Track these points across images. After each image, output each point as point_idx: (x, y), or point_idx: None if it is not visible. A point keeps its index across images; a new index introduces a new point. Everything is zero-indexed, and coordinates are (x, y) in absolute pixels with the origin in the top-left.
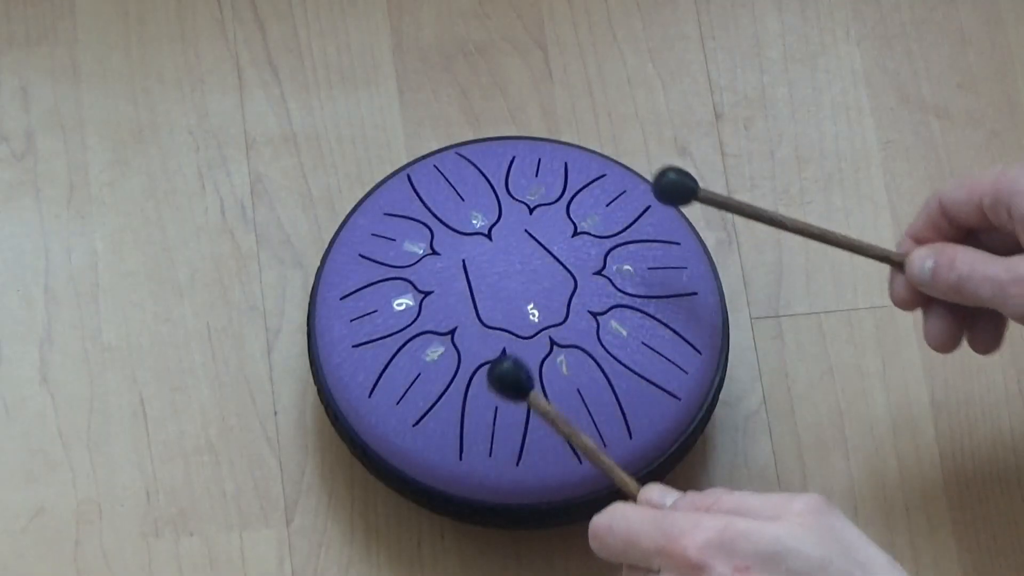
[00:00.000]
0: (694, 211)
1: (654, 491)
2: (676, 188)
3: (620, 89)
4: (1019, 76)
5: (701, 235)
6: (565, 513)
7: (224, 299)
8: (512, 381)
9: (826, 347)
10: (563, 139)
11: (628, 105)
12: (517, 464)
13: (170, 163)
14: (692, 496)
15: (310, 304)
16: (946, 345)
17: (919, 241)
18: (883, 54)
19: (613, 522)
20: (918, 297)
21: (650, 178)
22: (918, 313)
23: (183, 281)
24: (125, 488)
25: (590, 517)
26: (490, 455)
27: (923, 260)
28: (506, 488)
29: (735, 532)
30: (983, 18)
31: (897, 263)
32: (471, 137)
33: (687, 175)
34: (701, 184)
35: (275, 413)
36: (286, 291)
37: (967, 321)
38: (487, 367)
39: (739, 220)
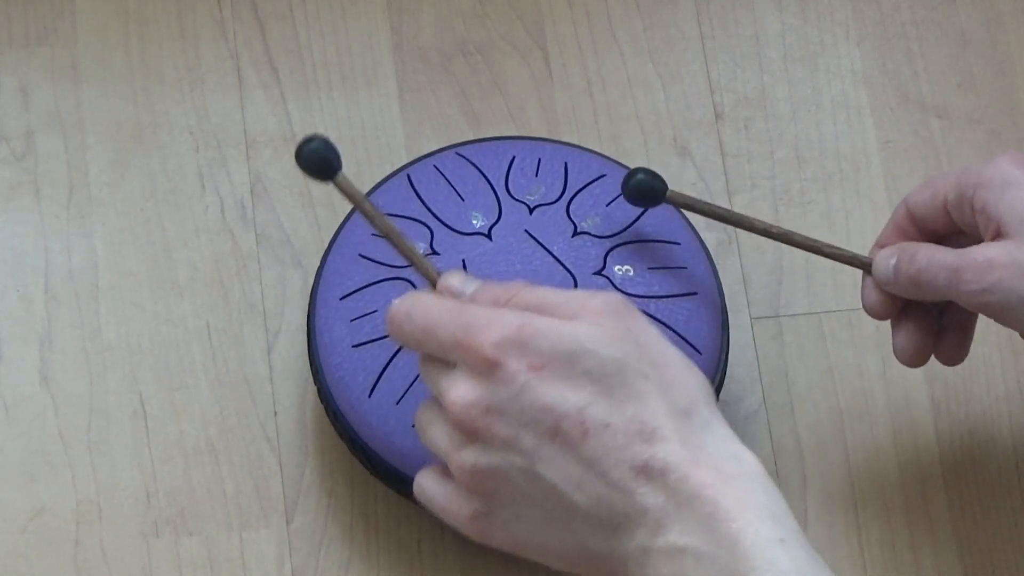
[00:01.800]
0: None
1: (454, 279)
2: (645, 189)
3: (620, 89)
4: (1019, 76)
5: (701, 235)
6: None
7: (224, 299)
8: (320, 161)
9: (826, 347)
10: (563, 139)
11: (628, 105)
12: None
13: (170, 163)
14: (491, 287)
15: (310, 304)
16: (914, 358)
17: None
18: (883, 54)
19: (413, 310)
20: (887, 305)
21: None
22: None
23: (183, 281)
24: (125, 488)
25: None
26: None
27: (887, 259)
28: None
29: (532, 330)
30: (983, 18)
31: (865, 266)
32: (471, 137)
33: (656, 176)
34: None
35: (275, 413)
36: (286, 291)
37: (934, 332)
38: (295, 148)
39: None
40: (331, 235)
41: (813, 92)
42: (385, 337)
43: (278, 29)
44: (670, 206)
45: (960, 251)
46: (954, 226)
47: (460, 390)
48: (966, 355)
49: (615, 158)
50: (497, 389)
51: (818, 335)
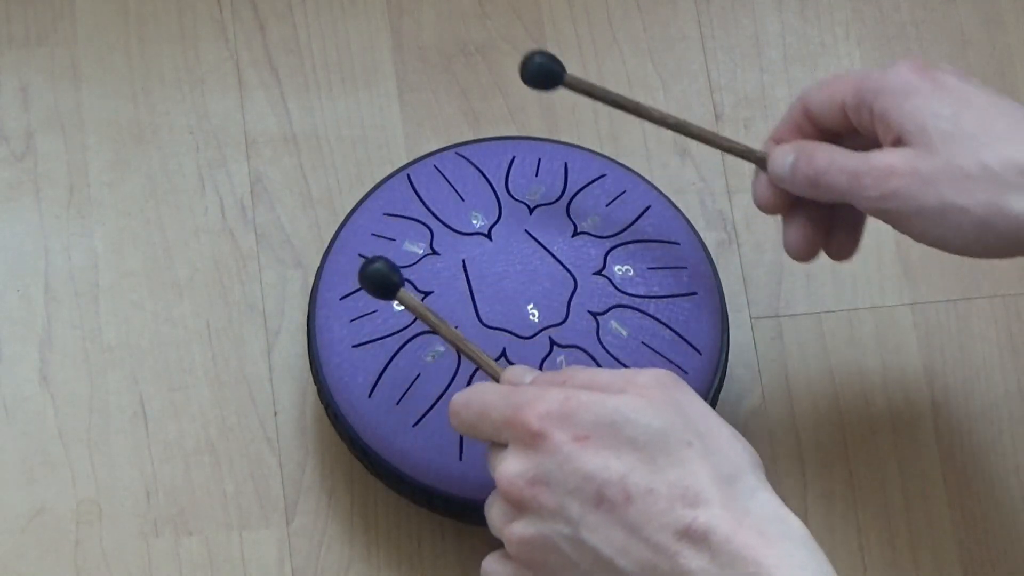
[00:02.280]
0: (694, 211)
1: (515, 371)
2: (543, 72)
3: (620, 89)
4: (1019, 76)
5: (701, 235)
6: None
7: (224, 299)
8: (382, 280)
9: (826, 347)
10: (563, 139)
11: None
12: None
13: (170, 163)
14: (548, 374)
15: (310, 304)
16: (805, 252)
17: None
18: (883, 54)
19: (470, 398)
20: (780, 200)
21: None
22: (917, 315)
23: (183, 281)
24: (125, 488)
25: None
26: None
27: (784, 156)
28: None
29: (576, 403)
30: (983, 18)
31: (760, 161)
32: (471, 137)
33: (554, 59)
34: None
35: (275, 413)
36: (286, 291)
37: (825, 228)
38: (358, 267)
39: (739, 220)
40: (331, 235)
41: None
42: (385, 337)
43: (278, 29)
44: (669, 206)
45: (861, 155)
46: (851, 126)
47: (508, 464)
48: (855, 250)
49: (615, 158)
50: (543, 460)
51: (818, 335)
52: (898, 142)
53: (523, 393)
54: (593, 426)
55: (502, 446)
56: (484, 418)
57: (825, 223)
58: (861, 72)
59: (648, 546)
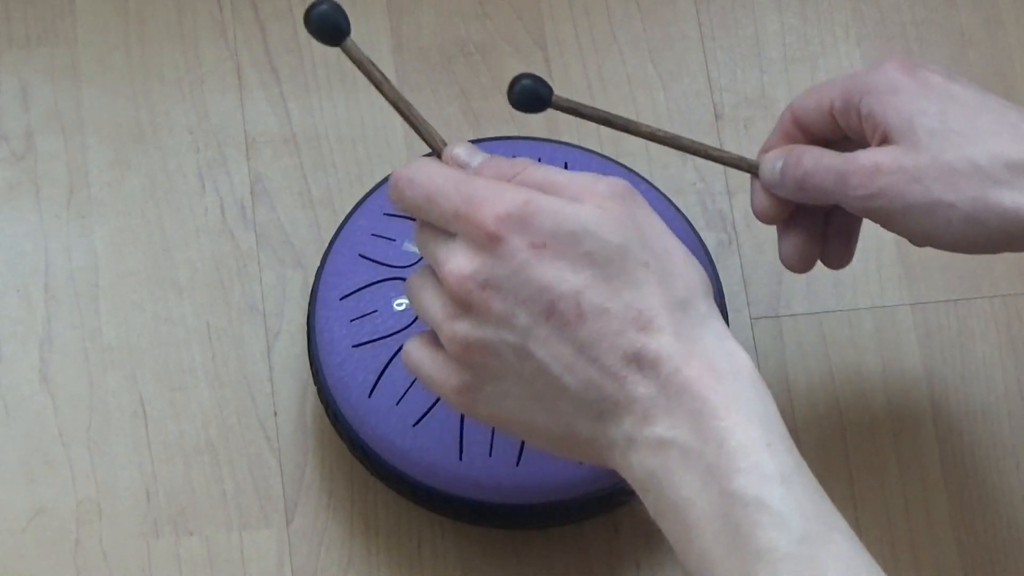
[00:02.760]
0: (694, 211)
1: (461, 149)
2: (531, 95)
3: (620, 89)
4: (1019, 76)
5: (701, 235)
6: (565, 513)
7: (224, 299)
8: (330, 23)
9: (826, 347)
10: (563, 139)
11: (628, 105)
12: (517, 464)
13: (170, 163)
14: (498, 160)
15: (310, 304)
16: (801, 262)
17: None
18: (883, 54)
19: (416, 176)
20: (776, 208)
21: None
22: (917, 315)
23: (183, 281)
24: (125, 488)
25: (589, 517)
26: (490, 455)
27: (773, 161)
28: (506, 488)
29: (536, 207)
30: (983, 18)
31: (752, 169)
32: (471, 137)
33: (541, 82)
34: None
35: (275, 413)
36: (286, 291)
37: (820, 238)
38: (304, 11)
39: (739, 220)
40: (331, 235)
41: None
42: (385, 337)
43: (278, 29)
44: (669, 206)
45: (847, 155)
46: (840, 132)
47: (458, 261)
48: (851, 259)
49: (615, 158)
50: (496, 264)
51: (818, 335)
52: (885, 140)
53: (478, 186)
54: (552, 234)
55: (446, 234)
56: (432, 203)
57: (820, 232)
58: (847, 75)
59: (596, 367)
